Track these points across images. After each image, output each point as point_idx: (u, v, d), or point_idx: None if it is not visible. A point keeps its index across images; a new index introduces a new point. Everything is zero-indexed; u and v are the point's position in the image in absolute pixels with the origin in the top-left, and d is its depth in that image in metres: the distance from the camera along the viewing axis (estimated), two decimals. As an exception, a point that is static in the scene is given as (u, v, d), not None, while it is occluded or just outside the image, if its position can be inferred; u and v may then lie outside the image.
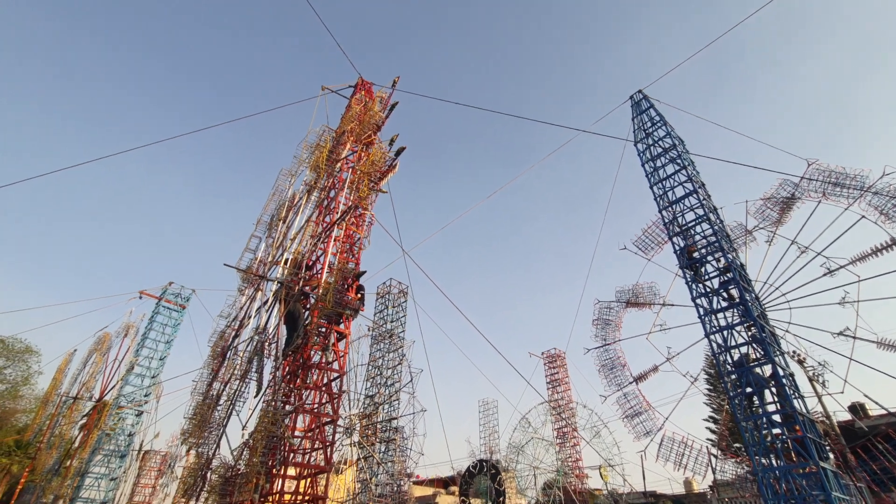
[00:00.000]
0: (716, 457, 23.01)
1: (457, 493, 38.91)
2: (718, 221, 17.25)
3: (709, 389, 38.80)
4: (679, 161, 18.31)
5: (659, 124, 19.67)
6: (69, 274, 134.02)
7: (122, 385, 23.07)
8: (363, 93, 16.05)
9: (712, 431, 40.40)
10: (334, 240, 11.79)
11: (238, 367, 12.67)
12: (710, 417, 41.89)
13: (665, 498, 31.48)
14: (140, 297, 25.18)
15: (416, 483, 42.79)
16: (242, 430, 11.12)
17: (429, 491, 46.64)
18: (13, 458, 41.86)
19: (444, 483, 48.63)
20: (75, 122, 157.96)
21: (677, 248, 17.27)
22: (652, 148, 19.22)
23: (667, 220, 18.01)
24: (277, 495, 9.88)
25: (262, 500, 9.81)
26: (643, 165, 19.31)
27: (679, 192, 18.02)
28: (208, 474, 12.06)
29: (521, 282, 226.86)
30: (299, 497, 10.59)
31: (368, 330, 25.80)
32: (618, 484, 30.83)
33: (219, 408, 12.01)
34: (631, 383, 19.63)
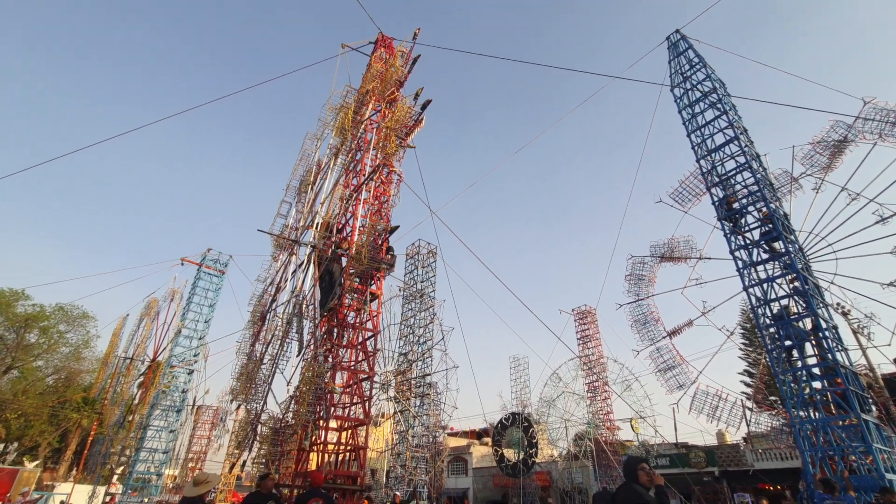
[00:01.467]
0: (750, 409, 22.91)
1: (490, 443, 40.45)
2: (761, 169, 16.34)
3: (744, 343, 38.23)
4: (719, 106, 17.22)
5: (698, 66, 18.42)
6: (116, 245, 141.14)
7: (172, 346, 24.57)
8: (384, 49, 15.60)
9: (747, 385, 40.14)
10: (363, 201, 11.84)
11: (277, 328, 13.20)
12: (745, 371, 41.47)
13: (697, 449, 31.79)
14: (182, 264, 26.36)
15: (450, 435, 44.65)
16: (287, 385, 11.75)
17: (463, 442, 48.65)
18: (82, 413, 45.86)
19: (478, 434, 50.56)
20: (98, 101, 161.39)
21: (716, 198, 16.53)
22: (690, 93, 18.11)
23: (705, 170, 17.18)
24: (323, 445, 10.48)
25: (309, 448, 10.50)
26: (680, 112, 18.28)
27: (719, 139, 17.06)
28: (258, 427, 12.90)
29: (550, 237, 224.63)
30: (342, 447, 11.17)
31: (399, 290, 26.34)
32: (649, 435, 31.25)
33: (263, 366, 12.64)
34: (664, 338, 19.47)
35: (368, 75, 14.47)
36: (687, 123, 18.03)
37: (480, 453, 45.00)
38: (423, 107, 13.13)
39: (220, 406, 34.75)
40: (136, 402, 26.71)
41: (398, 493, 17.72)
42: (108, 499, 26.33)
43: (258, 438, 14.36)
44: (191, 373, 24.78)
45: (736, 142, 16.46)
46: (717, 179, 16.59)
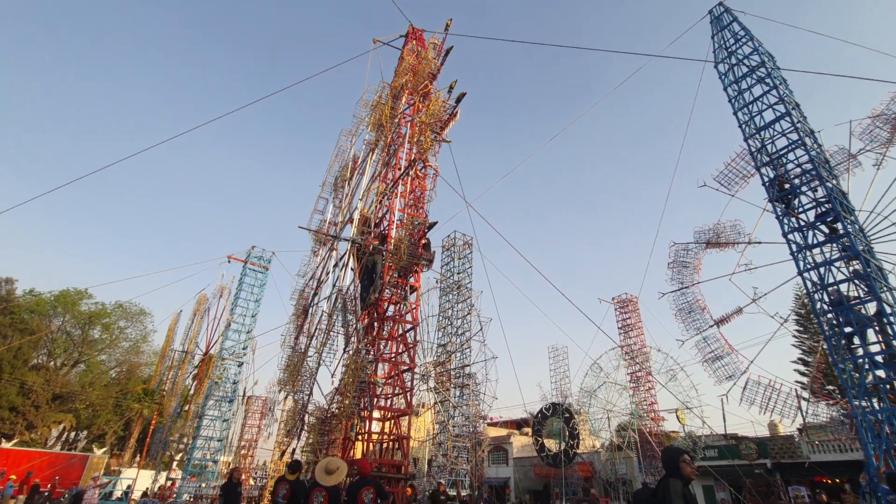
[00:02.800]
0: (806, 399, 21.84)
1: (530, 433, 40.36)
2: (815, 146, 15.34)
3: (798, 330, 36.39)
4: (768, 80, 16.24)
5: (744, 40, 17.42)
6: (165, 245, 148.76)
7: (222, 340, 25.78)
8: (415, 41, 15.59)
9: (801, 374, 38.22)
10: (399, 195, 11.96)
11: (321, 321, 13.61)
12: (800, 359, 39.48)
13: (747, 440, 30.63)
14: (228, 262, 27.56)
15: (490, 425, 44.83)
16: (332, 377, 12.14)
17: (503, 432, 48.77)
18: (143, 403, 48.89)
19: (518, 424, 50.55)
20: (142, 107, 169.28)
21: (766, 179, 15.66)
22: (736, 68, 17.18)
23: (754, 150, 16.29)
24: (367, 434, 10.78)
25: (355, 437, 10.84)
26: (726, 89, 17.38)
27: (768, 115, 16.11)
28: (305, 416, 13.41)
29: (587, 226, 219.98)
30: (385, 436, 11.44)
31: (437, 282, 26.55)
32: (696, 426, 30.34)
33: (309, 359, 13.08)
34: (711, 326, 18.73)
35: (401, 69, 14.52)
36: (733, 101, 17.13)
37: (521, 443, 45.01)
38: (458, 100, 13.07)
39: (268, 396, 36.27)
40: (191, 392, 28.30)
41: (442, 482, 18.02)
42: (168, 483, 28.05)
43: (306, 428, 14.96)
44: (240, 365, 25.95)
45: (787, 118, 15.51)
46: (766, 159, 15.71)
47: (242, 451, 34.36)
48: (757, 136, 16.13)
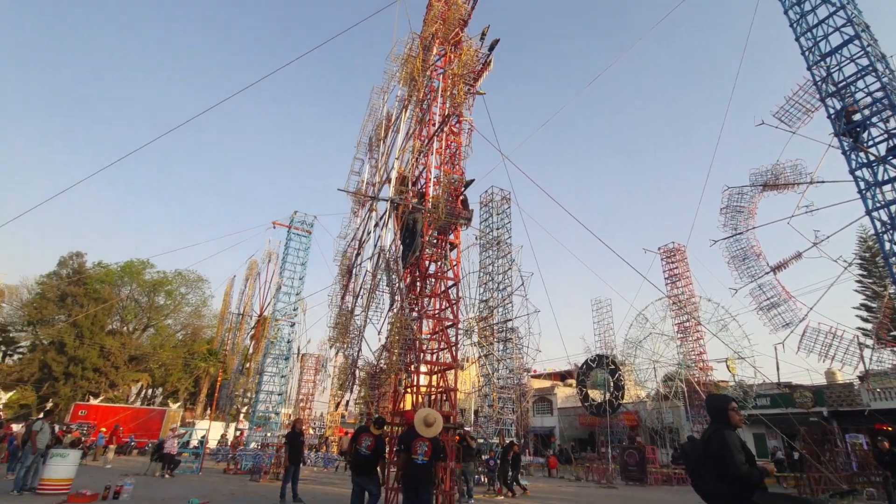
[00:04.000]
0: (869, 346, 20.75)
1: (574, 384, 40.89)
2: (887, 72, 13.71)
3: (862, 275, 34.19)
4: (835, 0, 14.48)
5: (809, -46, 15.45)
6: (213, 214, 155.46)
7: (274, 302, 27.13)
8: (443, -13, 14.83)
9: (864, 320, 36.24)
10: (435, 152, 11.77)
11: (363, 281, 13.98)
12: (863, 305, 37.36)
13: (803, 388, 29.73)
14: (273, 227, 28.52)
15: (534, 377, 45.64)
16: (378, 334, 12.59)
17: (547, 384, 49.61)
18: (208, 362, 52.83)
19: (561, 376, 51.22)
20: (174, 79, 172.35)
21: (832, 111, 14.27)
22: (799, -12, 15.37)
23: (818, 79, 14.77)
24: (415, 387, 11.20)
25: (404, 390, 11.32)
26: (786, 12, 15.65)
27: (835, 39, 14.44)
28: (356, 372, 14.09)
29: (630, 174, 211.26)
30: (433, 389, 11.83)
31: (476, 239, 26.51)
32: (747, 376, 29.68)
33: (356, 317, 13.56)
34: (767, 273, 17.82)
35: (429, 16, 13.92)
36: (795, 25, 15.43)
37: (564, 394, 45.77)
38: (491, 47, 12.43)
39: (320, 354, 38.32)
40: (250, 351, 30.25)
41: (514, 441, 18.72)
42: (237, 433, 30.61)
43: (357, 382, 15.77)
44: (293, 325, 27.33)
45: (856, 41, 13.86)
46: (832, 89, 14.24)
47: (301, 404, 36.85)
48: (822, 63, 14.57)
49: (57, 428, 15.19)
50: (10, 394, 39.40)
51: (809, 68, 15.02)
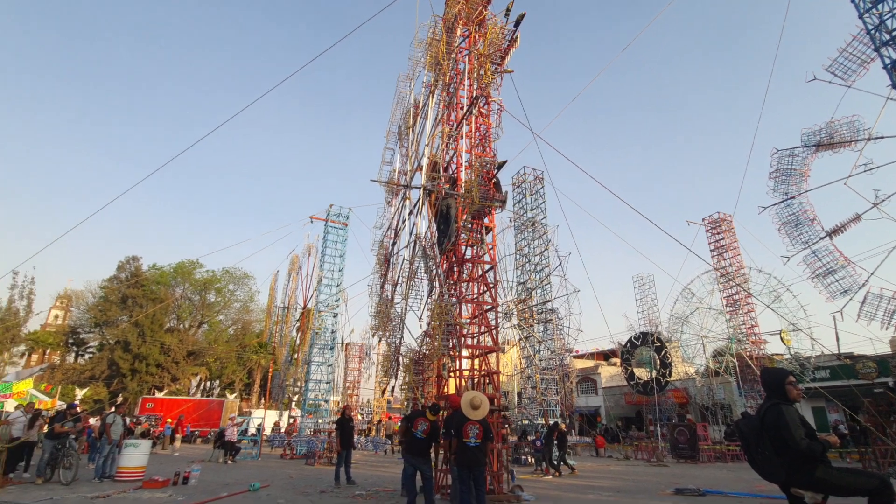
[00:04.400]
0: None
1: (618, 363, 40.20)
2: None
3: (932, 235, 31.65)
4: (890, -63, 13.16)
5: None
6: (253, 213, 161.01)
7: (316, 294, 27.97)
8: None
9: (935, 283, 33.59)
10: (465, 136, 11.66)
11: (403, 270, 14.16)
12: (934, 267, 34.61)
13: (865, 359, 28.09)
14: (311, 222, 29.24)
15: (576, 357, 45.21)
16: (419, 321, 12.77)
17: (590, 363, 49.05)
18: (260, 354, 55.25)
19: (605, 355, 50.49)
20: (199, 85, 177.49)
21: (888, 60, 13.13)
22: (851, -73, 14.07)
23: (871, 27, 13.59)
24: (458, 371, 11.33)
25: (447, 375, 11.47)
26: (837, -44, 14.43)
27: (889, -17, 13.21)
28: (399, 358, 14.39)
29: (669, 144, 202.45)
30: (476, 372, 11.93)
31: (510, 221, 26.26)
32: (804, 348, 28.28)
33: (397, 305, 13.79)
34: (823, 238, 16.74)
35: (451, -2, 13.69)
36: (847, -31, 14.18)
37: (609, 373, 45.12)
38: (517, 23, 12.08)
39: (364, 342, 39.35)
40: (297, 343, 31.44)
41: (560, 422, 18.76)
42: (291, 420, 32.05)
43: (401, 368, 16.11)
44: (336, 315, 28.14)
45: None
46: (887, 37, 13.08)
47: (348, 391, 38.07)
48: (874, 9, 13.38)
49: (128, 420, 16.40)
50: (85, 390, 42.71)
51: (861, 16, 13.83)
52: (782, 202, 17.43)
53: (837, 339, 23.18)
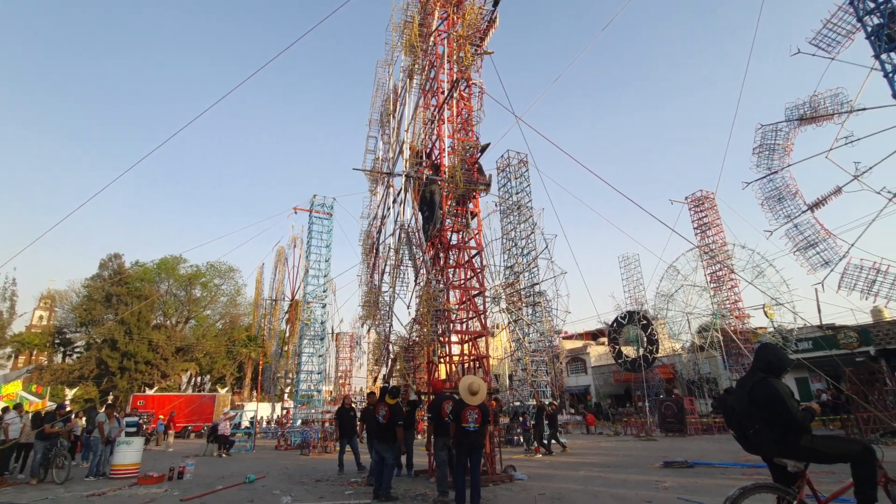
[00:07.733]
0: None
1: (606, 342, 40.79)
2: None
3: (909, 206, 32.38)
4: None
5: None
6: (235, 205, 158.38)
7: (304, 285, 27.78)
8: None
9: (912, 253, 34.46)
10: (447, 121, 11.51)
11: (389, 258, 14.08)
12: (911, 237, 35.48)
13: (847, 329, 28.85)
14: (295, 213, 28.92)
15: (565, 338, 45.76)
16: (407, 308, 12.75)
17: (579, 344, 49.72)
18: (249, 347, 54.96)
19: (593, 335, 51.18)
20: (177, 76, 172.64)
21: (871, 29, 13.16)
22: None
23: (854, -3, 13.58)
24: (448, 357, 11.37)
25: (438, 361, 11.50)
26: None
27: (870, -51, 13.18)
28: (389, 346, 14.39)
29: (650, 125, 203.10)
30: (466, 357, 11.97)
31: (496, 205, 26.18)
32: (786, 321, 28.92)
33: (384, 294, 13.74)
34: (805, 211, 17.00)
35: (428, -21, 13.38)
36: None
37: (598, 353, 45.82)
38: (495, 3, 11.88)
39: (354, 332, 39.30)
40: (287, 335, 31.29)
41: (553, 401, 18.97)
42: (284, 412, 32.07)
43: (391, 356, 16.13)
44: (324, 306, 28.05)
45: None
46: (871, 5, 13.10)
47: (340, 381, 38.15)
48: (857, -23, 13.36)
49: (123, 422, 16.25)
50: (75, 390, 42.19)
51: (843, -15, 13.83)
52: (765, 177, 17.61)
53: (819, 311, 23.75)
